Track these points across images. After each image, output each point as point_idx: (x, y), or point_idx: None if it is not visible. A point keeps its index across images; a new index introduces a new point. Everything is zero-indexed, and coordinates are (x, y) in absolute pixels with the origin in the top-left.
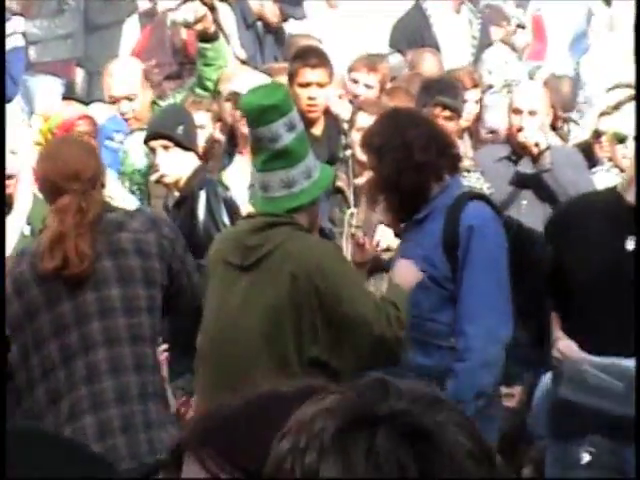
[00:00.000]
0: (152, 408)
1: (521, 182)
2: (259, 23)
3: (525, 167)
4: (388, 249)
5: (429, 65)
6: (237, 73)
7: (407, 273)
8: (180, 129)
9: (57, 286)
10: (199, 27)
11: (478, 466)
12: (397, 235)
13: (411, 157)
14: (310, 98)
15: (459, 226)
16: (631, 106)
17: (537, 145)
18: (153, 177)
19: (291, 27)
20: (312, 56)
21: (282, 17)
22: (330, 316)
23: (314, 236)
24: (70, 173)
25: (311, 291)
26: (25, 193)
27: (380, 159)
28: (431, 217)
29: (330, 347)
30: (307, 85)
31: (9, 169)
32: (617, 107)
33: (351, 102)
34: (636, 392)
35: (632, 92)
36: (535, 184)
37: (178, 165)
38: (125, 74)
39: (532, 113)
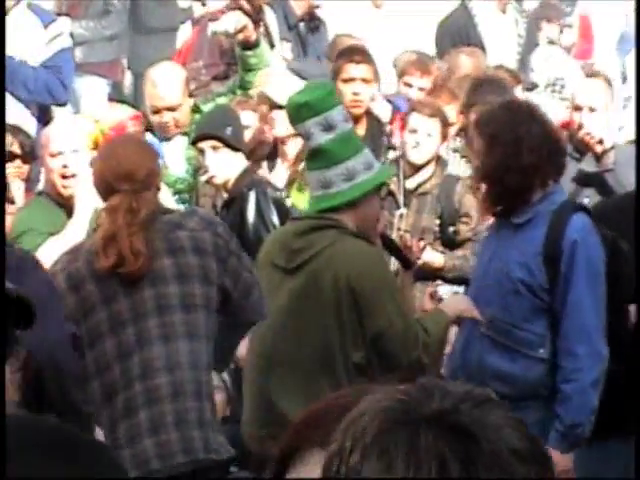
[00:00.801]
0: (207, 407)
1: (584, 180)
2: (301, 24)
3: (588, 165)
4: (425, 264)
5: (467, 66)
6: (271, 76)
7: (460, 302)
8: (229, 130)
9: (113, 284)
10: (240, 37)
11: (525, 465)
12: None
13: (520, 155)
14: (354, 94)
15: (563, 238)
16: None
17: (601, 142)
18: (203, 177)
19: (335, 26)
20: (356, 53)
21: None
22: (362, 322)
23: (360, 241)
24: (122, 173)
25: (349, 293)
26: (87, 195)
27: (490, 149)
28: (533, 223)
29: (366, 354)
30: (351, 80)
31: (71, 168)
32: None
33: (389, 101)
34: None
35: None
36: (597, 183)
37: (227, 166)
38: (168, 84)
39: (592, 110)
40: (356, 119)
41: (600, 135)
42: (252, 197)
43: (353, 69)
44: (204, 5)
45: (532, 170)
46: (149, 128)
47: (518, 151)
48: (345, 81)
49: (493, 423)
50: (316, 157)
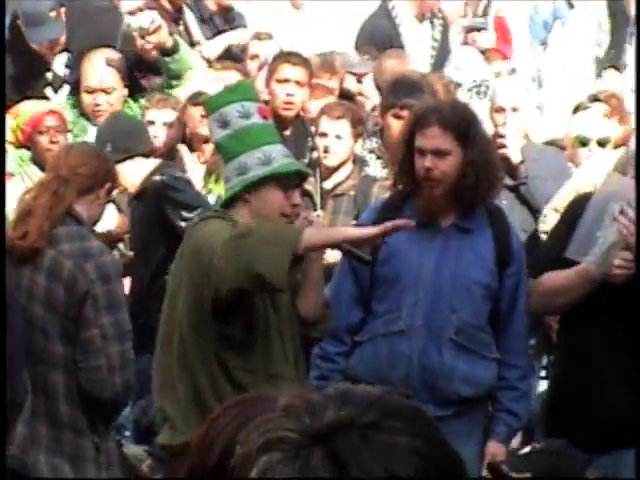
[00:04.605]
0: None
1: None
2: (216, 17)
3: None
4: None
5: (393, 69)
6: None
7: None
8: (108, 146)
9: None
10: (153, 39)
11: None
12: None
13: (490, 154)
14: (288, 95)
15: (511, 241)
16: (593, 107)
17: (513, 155)
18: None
19: (255, 26)
20: (294, 55)
21: None
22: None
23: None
24: (66, 162)
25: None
26: None
27: (463, 146)
28: (477, 225)
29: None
30: (285, 82)
31: None
32: (576, 110)
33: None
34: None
35: (591, 94)
36: (514, 192)
37: (141, 171)
38: (106, 67)
39: (515, 109)
40: (286, 121)
41: (513, 152)
42: (163, 177)
43: (289, 70)
44: None
45: (498, 168)
46: (82, 113)
47: (489, 149)
48: (279, 82)
49: (375, 448)
50: (218, 152)
